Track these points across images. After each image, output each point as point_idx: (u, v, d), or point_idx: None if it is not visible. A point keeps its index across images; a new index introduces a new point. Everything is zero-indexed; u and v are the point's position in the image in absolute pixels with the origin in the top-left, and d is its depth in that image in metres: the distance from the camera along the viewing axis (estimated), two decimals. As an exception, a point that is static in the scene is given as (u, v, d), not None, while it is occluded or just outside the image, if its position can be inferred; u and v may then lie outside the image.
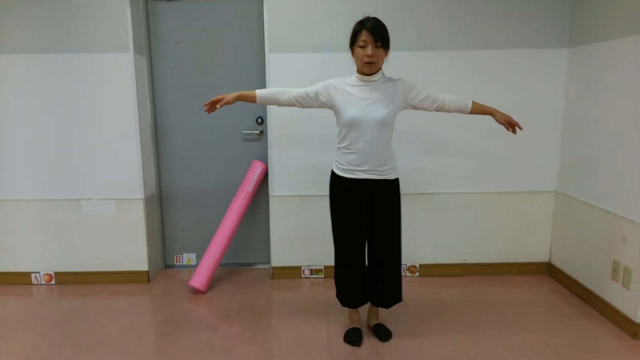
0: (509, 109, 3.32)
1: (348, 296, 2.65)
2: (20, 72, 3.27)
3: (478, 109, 2.55)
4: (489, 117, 3.32)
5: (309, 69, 3.30)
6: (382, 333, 2.65)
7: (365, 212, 2.50)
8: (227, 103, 2.48)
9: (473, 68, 3.33)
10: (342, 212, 2.53)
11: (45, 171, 3.39)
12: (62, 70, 3.27)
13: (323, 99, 2.45)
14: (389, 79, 2.45)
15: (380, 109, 2.36)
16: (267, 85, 3.32)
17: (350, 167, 2.44)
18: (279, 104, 2.52)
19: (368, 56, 2.30)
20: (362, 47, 2.31)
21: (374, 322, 2.74)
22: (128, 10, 3.19)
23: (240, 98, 2.51)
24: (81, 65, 3.26)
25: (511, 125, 2.56)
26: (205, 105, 2.51)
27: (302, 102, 2.49)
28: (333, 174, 2.55)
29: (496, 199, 3.50)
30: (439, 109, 2.53)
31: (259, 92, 2.51)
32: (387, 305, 2.65)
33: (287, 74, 3.30)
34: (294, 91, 2.49)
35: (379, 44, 2.30)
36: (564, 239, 3.41)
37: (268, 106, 3.35)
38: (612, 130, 2.87)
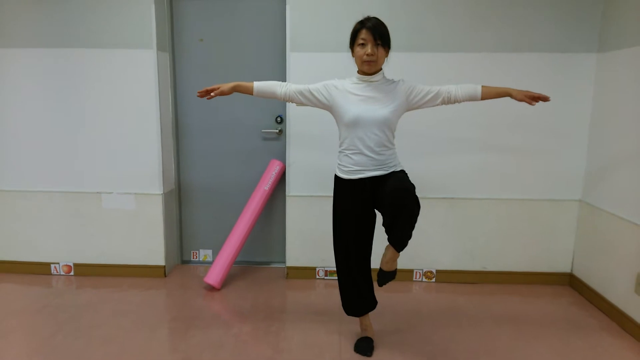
0: (534, 114, 3.27)
1: (351, 306, 2.60)
2: (43, 66, 3.34)
3: (491, 93, 2.41)
4: (513, 120, 3.29)
5: (329, 68, 3.25)
6: (382, 278, 2.45)
7: (370, 215, 2.47)
8: (222, 93, 2.46)
9: (497, 71, 3.26)
10: (343, 220, 2.48)
11: (67, 164, 3.45)
12: (85, 65, 3.32)
13: (322, 98, 2.41)
14: (391, 81, 2.41)
15: (382, 108, 2.31)
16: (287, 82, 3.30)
17: (356, 168, 2.38)
18: (276, 97, 2.48)
19: (368, 55, 2.26)
20: (362, 45, 2.28)
21: (381, 267, 2.46)
22: (152, 6, 3.22)
23: (236, 89, 2.48)
24: (104, 61, 3.31)
25: (534, 99, 2.40)
26: (199, 93, 2.48)
27: (300, 98, 2.45)
28: (337, 178, 2.48)
29: (519, 206, 3.42)
30: (447, 102, 2.43)
31: (256, 84, 2.47)
32: (403, 243, 2.33)
33: (307, 73, 3.29)
34: (293, 85, 2.45)
35: (379, 43, 2.27)
36: (588, 249, 3.31)
37: (287, 106, 3.34)
38: (641, 140, 2.77)
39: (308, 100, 2.45)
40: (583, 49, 3.22)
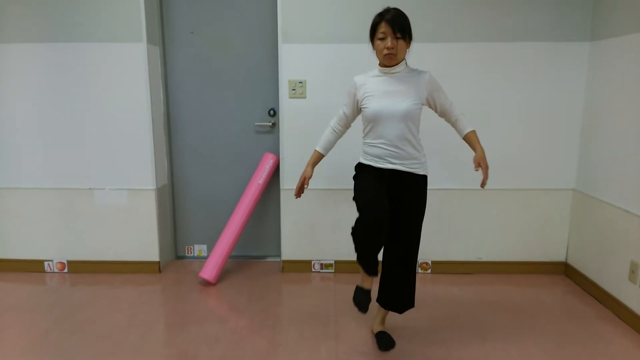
0: (528, 104, 3.28)
1: (368, 257, 2.33)
2: (33, 61, 3.28)
3: (471, 139, 2.43)
4: (506, 110, 3.29)
5: (321, 60, 3.26)
6: (384, 342, 2.52)
7: (389, 198, 2.34)
8: (309, 176, 2.56)
9: (491, 61, 3.25)
10: (364, 188, 2.36)
11: (59, 160, 3.42)
12: (75, 59, 3.27)
13: (354, 107, 2.42)
14: (416, 71, 2.34)
15: (403, 101, 2.27)
16: (279, 76, 3.30)
17: (376, 159, 2.35)
18: (338, 138, 2.56)
19: (387, 48, 2.21)
20: (382, 39, 2.23)
21: (378, 328, 2.62)
22: (141, -1, 3.18)
23: (314, 165, 2.57)
24: (94, 55, 3.26)
25: (482, 168, 2.41)
26: (295, 194, 2.58)
27: (346, 124, 2.51)
28: (359, 163, 2.45)
29: (513, 196, 3.42)
30: (443, 117, 2.44)
31: (319, 148, 2.55)
32: (401, 309, 2.55)
33: (299, 65, 3.27)
34: (333, 121, 2.52)
35: (399, 35, 2.21)
36: (581, 238, 3.32)
37: (280, 98, 3.32)
38: (634, 128, 2.77)
39: (352, 117, 2.48)
40: (576, 38, 3.21)
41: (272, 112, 3.57)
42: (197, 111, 3.61)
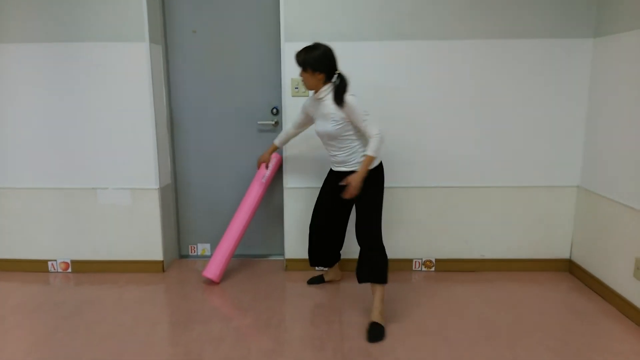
0: (532, 101, 3.27)
1: (309, 253, 3.13)
2: (35, 61, 3.28)
3: (364, 164, 2.61)
4: (509, 108, 3.28)
5: (325, 58, 3.24)
6: (372, 334, 2.60)
7: (339, 197, 2.76)
8: (266, 160, 3.24)
9: (493, 59, 3.24)
10: (317, 199, 3.04)
11: (61, 160, 3.41)
12: (78, 59, 3.27)
13: (304, 120, 2.95)
14: (334, 96, 2.61)
15: (327, 124, 2.65)
16: (282, 75, 3.30)
17: (331, 163, 2.86)
18: (291, 136, 3.13)
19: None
20: None
21: (370, 319, 2.69)
22: (144, -2, 3.17)
23: (272, 152, 3.21)
24: (97, 54, 3.26)
25: (349, 184, 2.61)
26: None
27: (299, 128, 3.05)
28: None
29: (517, 194, 3.42)
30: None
31: (277, 141, 3.15)
32: (360, 279, 2.76)
33: (302, 64, 3.26)
34: (290, 124, 3.14)
35: (302, 70, 2.62)
36: (586, 235, 3.31)
37: (283, 97, 3.31)
38: (638, 125, 2.76)
39: (304, 126, 3.04)
40: (579, 35, 3.20)
41: (274, 110, 3.56)
42: (200, 110, 3.61)
